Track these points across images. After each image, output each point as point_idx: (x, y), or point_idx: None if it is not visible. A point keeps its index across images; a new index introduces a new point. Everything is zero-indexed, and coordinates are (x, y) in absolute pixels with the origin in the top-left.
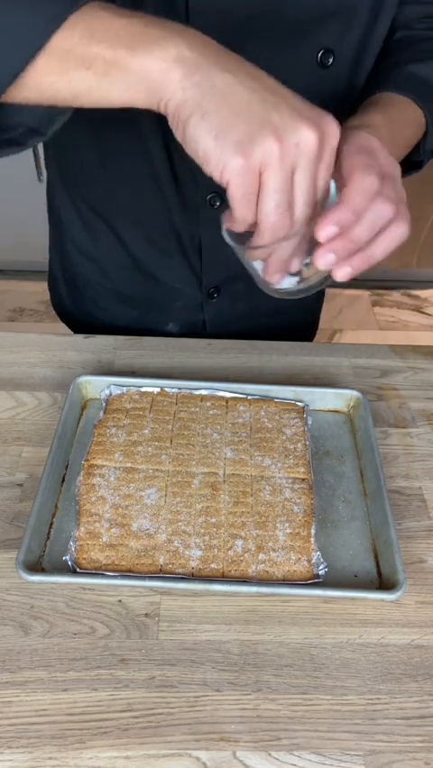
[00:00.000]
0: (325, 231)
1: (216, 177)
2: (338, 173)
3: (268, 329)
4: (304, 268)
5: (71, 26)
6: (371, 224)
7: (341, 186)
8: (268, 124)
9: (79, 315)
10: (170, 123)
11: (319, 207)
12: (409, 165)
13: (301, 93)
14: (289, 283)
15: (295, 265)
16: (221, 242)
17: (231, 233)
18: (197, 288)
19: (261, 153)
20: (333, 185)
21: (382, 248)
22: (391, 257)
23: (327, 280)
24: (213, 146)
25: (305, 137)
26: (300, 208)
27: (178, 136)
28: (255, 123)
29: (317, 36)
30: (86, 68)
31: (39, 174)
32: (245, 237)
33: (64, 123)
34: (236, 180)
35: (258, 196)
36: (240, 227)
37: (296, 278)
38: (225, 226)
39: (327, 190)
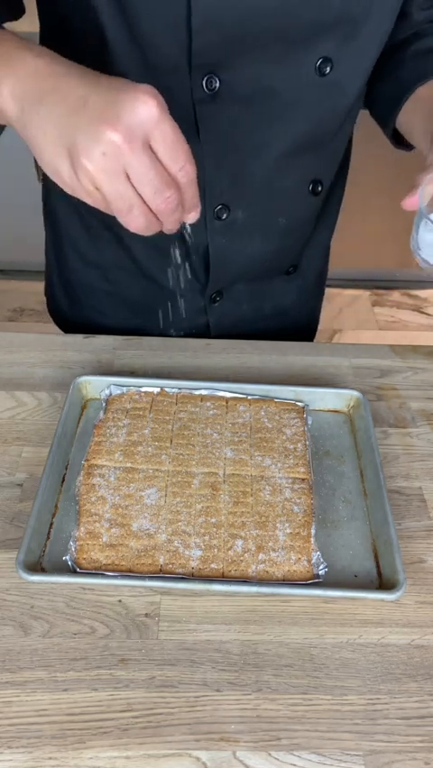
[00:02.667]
0: None
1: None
2: None
3: (270, 331)
4: None
5: None
6: None
7: None
8: (76, 149)
9: (78, 321)
10: None
11: None
12: None
13: (299, 100)
14: None
15: None
16: (229, 251)
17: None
18: (199, 292)
19: (84, 177)
20: None
21: None
22: (391, 257)
23: None
24: (58, 179)
25: (108, 142)
26: (149, 199)
27: None
28: (69, 152)
29: (315, 47)
30: None
31: (39, 174)
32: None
33: None
34: (89, 200)
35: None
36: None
37: None
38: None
39: None
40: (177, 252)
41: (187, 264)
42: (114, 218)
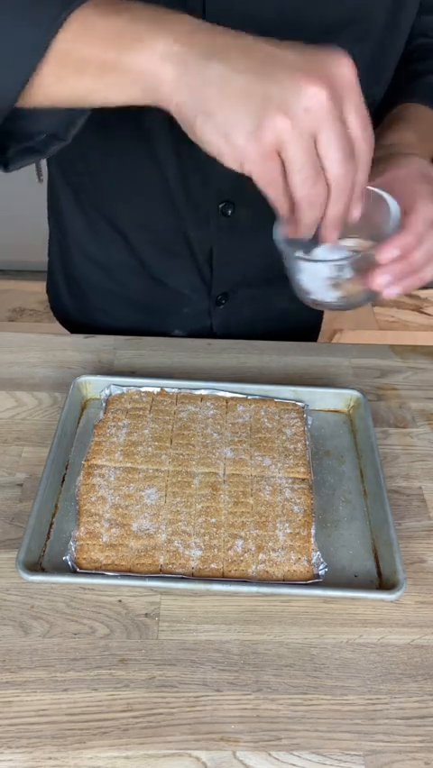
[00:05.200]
0: (388, 254)
1: (239, 171)
2: (395, 192)
3: (274, 333)
4: (348, 284)
5: (66, 29)
6: (429, 250)
7: (402, 207)
8: (270, 102)
9: (81, 319)
10: (180, 123)
11: (383, 224)
12: None
13: None
14: (331, 297)
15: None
16: (233, 250)
17: (284, 240)
18: (205, 294)
19: (272, 136)
20: (395, 204)
21: (432, 272)
22: None
23: (372, 297)
24: (225, 144)
25: (312, 97)
26: (335, 167)
27: (191, 137)
28: (257, 107)
29: (331, 45)
30: (81, 71)
31: (39, 174)
32: (298, 243)
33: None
34: (257, 170)
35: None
36: (301, 231)
37: (338, 293)
38: (280, 233)
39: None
40: (182, 253)
41: (192, 265)
42: (121, 218)
